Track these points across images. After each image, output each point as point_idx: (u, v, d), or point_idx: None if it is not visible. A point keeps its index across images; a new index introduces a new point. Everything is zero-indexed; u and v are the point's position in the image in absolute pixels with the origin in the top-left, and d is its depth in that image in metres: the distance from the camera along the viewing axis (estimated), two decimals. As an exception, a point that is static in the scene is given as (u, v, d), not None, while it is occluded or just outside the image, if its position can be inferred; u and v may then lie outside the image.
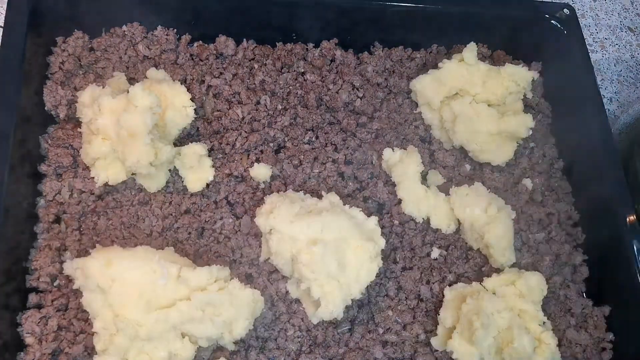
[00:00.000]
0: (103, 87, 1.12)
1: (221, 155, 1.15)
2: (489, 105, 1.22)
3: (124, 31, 1.22)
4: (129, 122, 1.01)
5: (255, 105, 1.20)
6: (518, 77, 1.24)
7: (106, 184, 1.07)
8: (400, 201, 1.16)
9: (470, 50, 1.24)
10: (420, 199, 1.14)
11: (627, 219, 1.09)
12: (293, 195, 1.08)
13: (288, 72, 1.26)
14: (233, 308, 0.95)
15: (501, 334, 1.00)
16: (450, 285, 1.09)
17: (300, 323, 1.02)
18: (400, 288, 1.09)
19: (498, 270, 1.10)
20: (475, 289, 1.05)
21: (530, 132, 1.21)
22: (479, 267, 1.12)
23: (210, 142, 1.16)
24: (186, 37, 1.25)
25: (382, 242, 1.05)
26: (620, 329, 1.08)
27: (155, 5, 1.21)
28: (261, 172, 1.14)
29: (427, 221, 1.15)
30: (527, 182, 1.21)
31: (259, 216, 1.05)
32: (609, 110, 1.42)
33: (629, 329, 1.07)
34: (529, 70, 1.25)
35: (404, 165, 1.16)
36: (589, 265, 1.14)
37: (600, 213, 1.15)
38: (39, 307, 0.98)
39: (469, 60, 1.24)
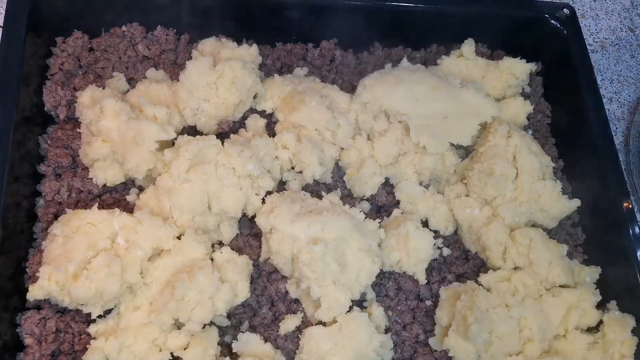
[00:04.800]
0: (103, 88, 1.12)
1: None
2: None
3: (124, 31, 1.22)
4: (137, 129, 1.02)
5: (255, 105, 1.20)
6: (516, 70, 1.25)
7: (105, 185, 1.08)
8: (398, 202, 1.16)
9: (469, 45, 1.25)
10: (418, 200, 1.14)
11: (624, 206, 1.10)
12: (293, 195, 1.07)
13: (288, 72, 1.26)
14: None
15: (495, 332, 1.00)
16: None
17: (299, 323, 1.02)
18: (400, 288, 1.08)
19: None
20: (470, 287, 1.05)
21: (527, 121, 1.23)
22: (478, 268, 1.12)
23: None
24: (186, 37, 1.25)
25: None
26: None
27: (154, 6, 1.20)
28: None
29: (426, 222, 1.15)
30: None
31: (260, 216, 1.04)
32: (609, 110, 1.41)
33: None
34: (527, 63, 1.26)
35: (402, 166, 1.16)
36: (589, 265, 1.14)
37: (601, 213, 1.15)
38: (38, 307, 0.98)
39: (468, 55, 1.25)
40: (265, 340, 1.01)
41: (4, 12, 1.11)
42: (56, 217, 1.04)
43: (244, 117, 1.17)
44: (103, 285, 0.92)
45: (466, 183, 1.16)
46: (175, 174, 1.00)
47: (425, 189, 1.16)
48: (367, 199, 1.16)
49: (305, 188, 1.14)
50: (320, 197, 1.09)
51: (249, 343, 0.98)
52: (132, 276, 0.95)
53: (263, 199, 1.07)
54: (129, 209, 1.05)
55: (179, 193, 1.00)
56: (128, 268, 0.95)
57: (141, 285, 0.97)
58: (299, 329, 1.02)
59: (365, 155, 1.15)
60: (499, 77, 1.25)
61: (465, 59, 1.25)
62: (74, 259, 0.93)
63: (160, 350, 0.95)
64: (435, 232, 1.12)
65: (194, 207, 1.01)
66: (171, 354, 0.95)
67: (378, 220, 1.10)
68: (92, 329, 0.96)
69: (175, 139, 1.07)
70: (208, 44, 1.20)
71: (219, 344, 0.99)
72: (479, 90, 1.19)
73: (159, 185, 1.02)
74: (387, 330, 1.04)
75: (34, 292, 0.92)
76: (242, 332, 1.00)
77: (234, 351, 0.98)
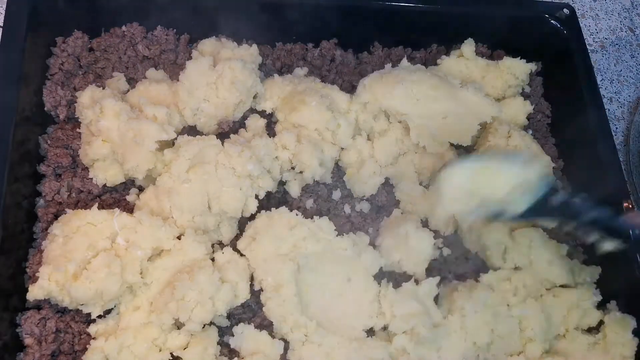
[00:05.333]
0: (103, 88, 1.12)
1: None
2: None
3: (124, 31, 1.22)
4: (137, 129, 1.02)
5: (255, 105, 1.20)
6: (516, 70, 1.26)
7: (105, 185, 1.08)
8: (398, 202, 1.16)
9: (469, 45, 1.25)
10: (418, 200, 1.14)
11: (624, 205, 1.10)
12: (279, 223, 1.05)
13: (288, 72, 1.26)
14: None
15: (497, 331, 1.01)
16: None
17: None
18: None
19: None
20: (469, 284, 1.06)
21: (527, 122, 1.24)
22: (478, 268, 1.11)
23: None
24: (185, 37, 1.25)
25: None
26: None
27: (154, 5, 1.20)
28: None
29: (426, 222, 1.15)
30: (527, 182, 1.21)
31: (239, 243, 1.04)
32: (609, 110, 1.41)
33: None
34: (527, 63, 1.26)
35: (402, 166, 1.16)
36: (589, 265, 1.14)
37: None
38: (38, 307, 0.98)
39: (468, 55, 1.25)
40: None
41: (4, 12, 1.11)
42: (56, 217, 1.04)
43: (244, 117, 1.17)
44: (103, 285, 0.92)
45: (466, 183, 1.16)
46: (175, 174, 1.00)
47: (425, 189, 1.16)
48: (367, 199, 1.16)
49: (306, 188, 1.14)
50: (320, 196, 1.09)
51: (244, 335, 0.98)
52: (132, 276, 0.95)
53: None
54: (129, 209, 1.05)
55: (179, 193, 1.00)
56: (128, 268, 0.95)
57: (141, 285, 0.97)
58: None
59: (365, 155, 1.15)
60: (499, 77, 1.25)
61: (465, 59, 1.26)
62: (74, 259, 0.93)
63: (160, 350, 0.95)
64: (435, 232, 1.12)
65: (194, 207, 1.01)
66: (171, 354, 0.95)
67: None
68: (92, 329, 0.96)
69: (175, 139, 1.07)
70: (208, 44, 1.20)
71: (218, 343, 0.99)
72: (479, 90, 1.19)
73: (159, 185, 1.02)
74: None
75: (34, 292, 0.92)
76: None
77: (232, 347, 0.98)
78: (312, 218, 1.06)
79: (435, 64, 1.27)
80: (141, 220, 0.98)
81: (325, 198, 1.15)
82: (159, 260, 0.99)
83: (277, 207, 1.07)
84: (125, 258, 0.95)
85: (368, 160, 1.14)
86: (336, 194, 1.15)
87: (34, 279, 0.94)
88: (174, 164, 1.01)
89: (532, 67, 1.27)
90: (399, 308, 1.00)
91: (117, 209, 1.00)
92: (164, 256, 1.00)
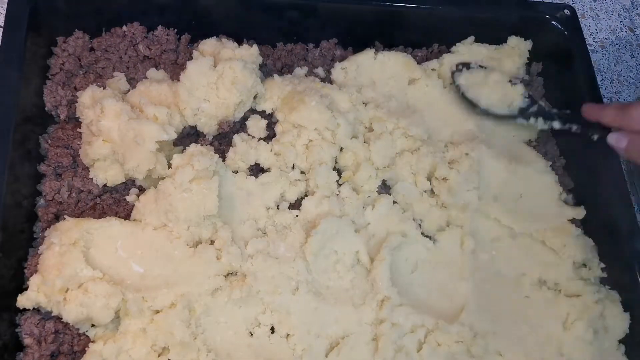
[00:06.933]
0: (103, 88, 1.12)
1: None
2: None
3: (124, 31, 1.22)
4: (138, 129, 1.02)
5: (255, 105, 1.20)
6: (520, 47, 1.28)
7: (105, 185, 1.07)
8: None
9: (469, 39, 1.29)
10: (415, 201, 1.14)
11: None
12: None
13: (288, 72, 1.26)
14: None
15: None
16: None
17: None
18: (400, 288, 1.09)
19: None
20: None
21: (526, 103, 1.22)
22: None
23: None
24: (186, 37, 1.25)
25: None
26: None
27: (155, 5, 1.20)
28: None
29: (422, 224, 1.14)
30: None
31: None
32: (609, 110, 1.41)
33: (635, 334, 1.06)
34: (529, 65, 1.28)
35: (398, 167, 1.16)
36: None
37: (602, 213, 1.15)
38: (37, 308, 0.98)
39: (471, 43, 1.29)
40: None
41: (4, 12, 1.11)
42: (56, 217, 1.04)
43: (245, 118, 1.17)
44: (95, 314, 0.92)
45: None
46: (178, 181, 0.99)
47: (422, 191, 1.15)
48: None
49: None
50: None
51: None
52: (132, 294, 0.95)
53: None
54: (129, 209, 1.06)
55: (177, 201, 0.99)
56: (127, 290, 0.95)
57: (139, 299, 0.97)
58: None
59: (361, 158, 1.15)
60: (507, 57, 1.28)
61: (468, 45, 1.29)
62: (65, 275, 0.93)
63: (159, 355, 0.94)
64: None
65: (189, 218, 1.00)
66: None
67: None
68: (91, 332, 0.96)
69: (176, 138, 1.07)
70: (208, 44, 1.20)
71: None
72: None
73: (160, 189, 1.01)
74: None
75: (22, 302, 0.93)
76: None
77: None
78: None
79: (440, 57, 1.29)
80: (142, 230, 0.99)
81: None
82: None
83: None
84: (124, 272, 0.96)
85: (364, 162, 1.14)
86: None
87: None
88: (180, 171, 1.00)
89: (529, 45, 1.29)
90: None
91: (116, 218, 1.01)
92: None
